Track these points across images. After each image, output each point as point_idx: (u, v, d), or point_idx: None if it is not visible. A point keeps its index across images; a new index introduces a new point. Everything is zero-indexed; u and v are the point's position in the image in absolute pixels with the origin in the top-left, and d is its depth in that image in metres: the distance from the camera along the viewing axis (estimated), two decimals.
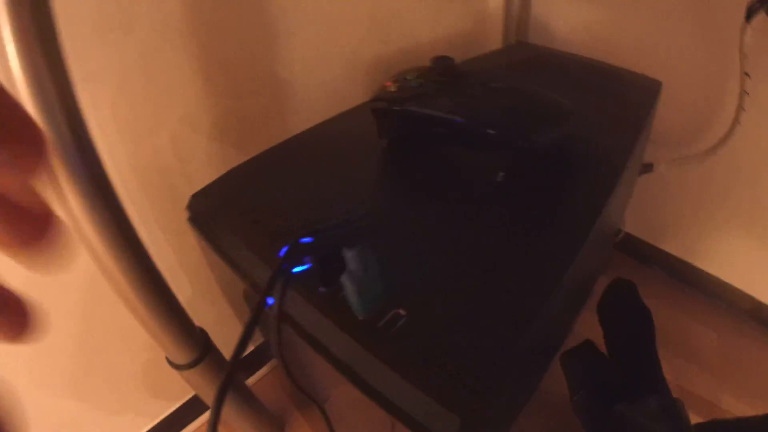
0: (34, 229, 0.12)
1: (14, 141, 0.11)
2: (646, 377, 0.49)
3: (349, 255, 0.19)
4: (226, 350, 0.53)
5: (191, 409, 0.70)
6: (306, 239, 0.21)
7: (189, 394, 0.69)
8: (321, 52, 0.58)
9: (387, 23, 0.62)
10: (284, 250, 0.19)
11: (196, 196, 0.40)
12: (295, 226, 0.27)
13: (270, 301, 0.21)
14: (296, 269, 0.21)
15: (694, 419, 0.46)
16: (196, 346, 0.46)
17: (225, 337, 0.54)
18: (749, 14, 0.52)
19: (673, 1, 0.61)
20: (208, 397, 0.51)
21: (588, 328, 0.56)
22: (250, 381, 0.75)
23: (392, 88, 0.37)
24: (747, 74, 0.56)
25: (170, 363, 0.47)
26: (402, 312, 0.23)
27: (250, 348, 0.73)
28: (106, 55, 0.43)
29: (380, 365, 0.21)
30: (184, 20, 0.46)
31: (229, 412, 0.56)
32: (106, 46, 0.42)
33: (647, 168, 0.68)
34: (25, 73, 0.30)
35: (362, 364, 0.23)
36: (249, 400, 0.57)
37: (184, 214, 0.42)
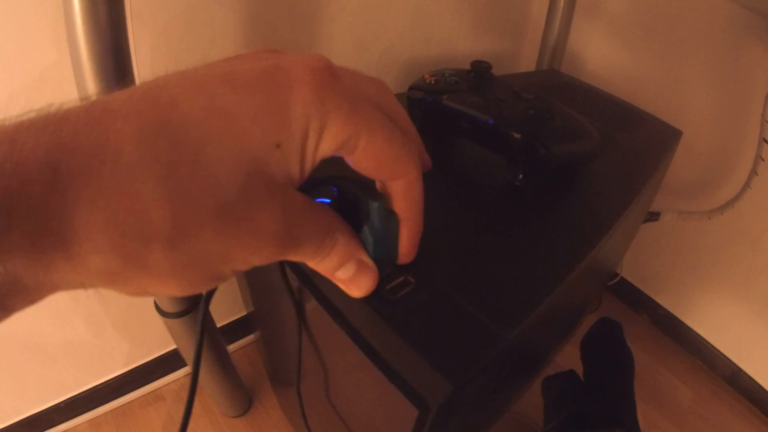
0: None
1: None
2: (618, 413, 0.50)
3: (373, 206, 0.19)
4: (215, 312, 0.53)
5: (163, 364, 0.69)
6: (324, 200, 0.21)
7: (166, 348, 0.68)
8: (360, 39, 0.59)
9: (430, 25, 0.63)
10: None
11: None
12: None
13: None
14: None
15: None
16: (189, 298, 0.46)
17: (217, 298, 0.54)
18: None
19: (705, 61, 0.63)
20: (185, 350, 0.51)
21: (574, 363, 0.57)
22: (231, 348, 0.75)
23: (430, 80, 0.38)
24: (766, 141, 0.57)
25: (158, 309, 0.47)
26: (411, 279, 0.24)
27: (237, 316, 0.73)
28: None
29: (381, 322, 0.22)
30: None
31: (203, 371, 0.55)
32: None
33: (653, 216, 0.69)
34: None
35: (363, 321, 0.24)
36: (225, 364, 0.57)
37: None
